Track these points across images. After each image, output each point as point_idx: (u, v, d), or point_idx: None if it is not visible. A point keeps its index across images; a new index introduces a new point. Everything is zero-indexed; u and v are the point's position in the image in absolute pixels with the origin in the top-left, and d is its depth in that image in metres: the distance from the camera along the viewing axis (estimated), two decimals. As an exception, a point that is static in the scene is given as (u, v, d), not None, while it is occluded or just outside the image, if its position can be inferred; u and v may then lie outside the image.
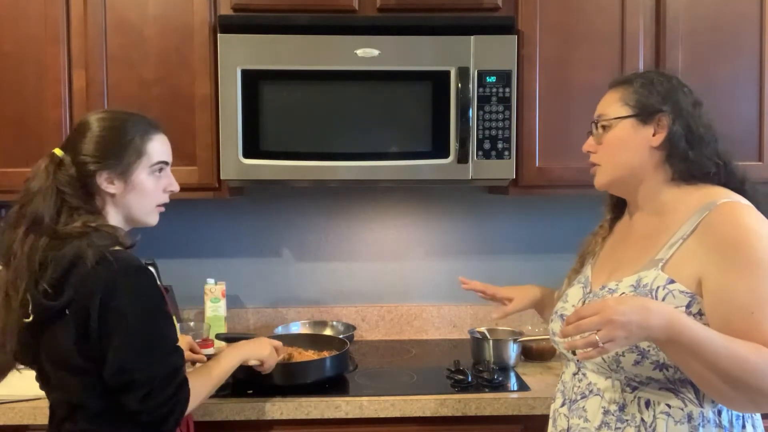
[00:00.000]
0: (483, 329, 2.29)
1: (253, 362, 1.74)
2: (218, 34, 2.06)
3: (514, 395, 1.90)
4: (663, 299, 1.27)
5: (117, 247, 1.44)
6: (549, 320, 1.56)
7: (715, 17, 2.17)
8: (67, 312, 1.38)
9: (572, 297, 1.48)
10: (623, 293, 1.32)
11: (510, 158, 2.10)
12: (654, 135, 1.37)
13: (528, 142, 2.16)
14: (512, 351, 2.13)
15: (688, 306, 1.26)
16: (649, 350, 1.25)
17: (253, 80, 2.05)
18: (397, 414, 1.85)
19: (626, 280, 1.34)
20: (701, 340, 1.16)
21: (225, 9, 2.12)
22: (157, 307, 1.44)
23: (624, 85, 1.43)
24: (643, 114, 1.38)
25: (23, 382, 1.82)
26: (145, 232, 2.50)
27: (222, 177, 2.09)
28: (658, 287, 1.28)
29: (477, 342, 2.17)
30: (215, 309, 2.35)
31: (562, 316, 1.47)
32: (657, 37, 2.17)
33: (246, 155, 2.07)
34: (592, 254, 1.55)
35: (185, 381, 1.45)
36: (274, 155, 2.07)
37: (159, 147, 1.55)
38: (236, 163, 2.07)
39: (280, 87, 2.07)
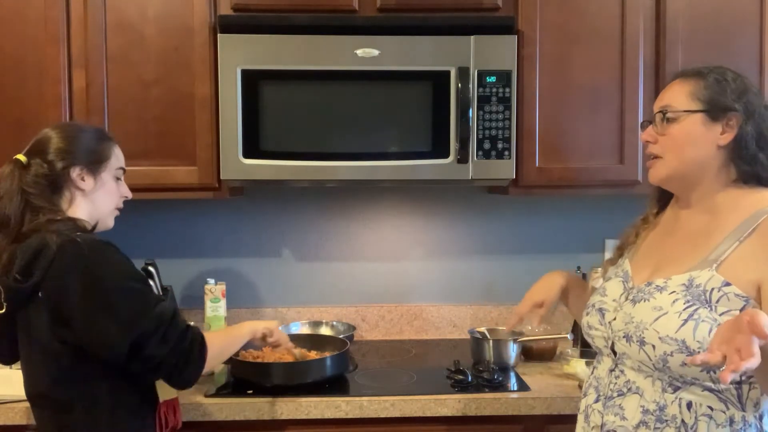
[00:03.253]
0: (483, 329, 2.29)
1: (263, 332, 1.76)
2: (218, 34, 2.06)
3: (514, 395, 1.90)
4: (717, 301, 1.25)
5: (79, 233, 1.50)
6: (583, 313, 1.50)
7: (715, 17, 2.17)
8: (40, 295, 1.43)
9: (612, 291, 1.44)
10: (674, 291, 1.29)
11: (510, 158, 2.10)
12: (722, 134, 1.33)
13: (528, 142, 2.16)
14: (512, 351, 2.13)
15: (741, 310, 1.23)
16: (698, 351, 1.22)
17: (253, 80, 2.05)
18: (397, 414, 1.85)
19: (676, 278, 1.30)
20: None
21: (225, 9, 2.12)
22: (132, 272, 1.50)
23: (695, 78, 1.36)
24: (714, 111, 1.32)
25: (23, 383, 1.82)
26: (146, 232, 2.50)
27: (222, 177, 2.09)
28: (712, 289, 1.26)
29: (477, 342, 2.17)
30: (215, 309, 2.34)
31: (600, 310, 1.43)
32: (657, 37, 2.17)
33: (246, 155, 2.07)
34: (630, 246, 1.50)
35: (190, 326, 1.53)
36: (274, 155, 2.07)
37: (120, 154, 1.66)
38: (236, 163, 2.07)
39: (280, 87, 2.07)
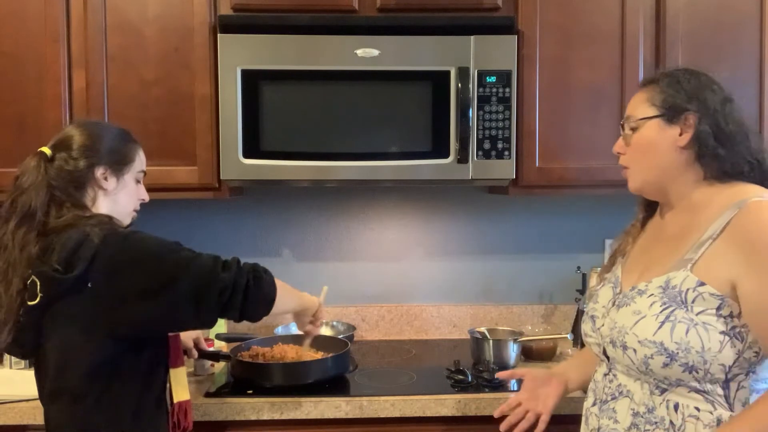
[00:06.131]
0: (483, 329, 2.29)
1: (309, 317, 1.78)
2: (218, 34, 2.06)
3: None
4: (693, 301, 1.25)
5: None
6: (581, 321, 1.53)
7: (715, 17, 2.17)
8: (90, 285, 1.41)
9: (602, 298, 1.46)
10: (652, 294, 1.30)
11: (510, 158, 2.10)
12: (680, 134, 1.34)
13: (528, 142, 2.16)
14: (512, 351, 2.13)
15: (718, 308, 1.24)
16: (677, 353, 1.24)
17: (253, 80, 2.05)
18: (397, 414, 1.85)
19: (655, 280, 1.32)
20: None
21: (225, 9, 2.12)
22: (172, 241, 1.51)
23: (651, 85, 1.40)
24: (669, 113, 1.35)
25: (23, 382, 1.83)
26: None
27: (222, 177, 2.09)
28: (687, 289, 1.26)
29: (477, 342, 2.17)
30: (215, 309, 2.34)
31: (592, 317, 1.45)
32: (657, 37, 2.17)
33: (246, 155, 2.07)
34: (622, 253, 1.52)
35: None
36: (274, 155, 2.07)
37: (143, 157, 1.66)
38: (236, 163, 2.07)
39: (280, 87, 2.07)
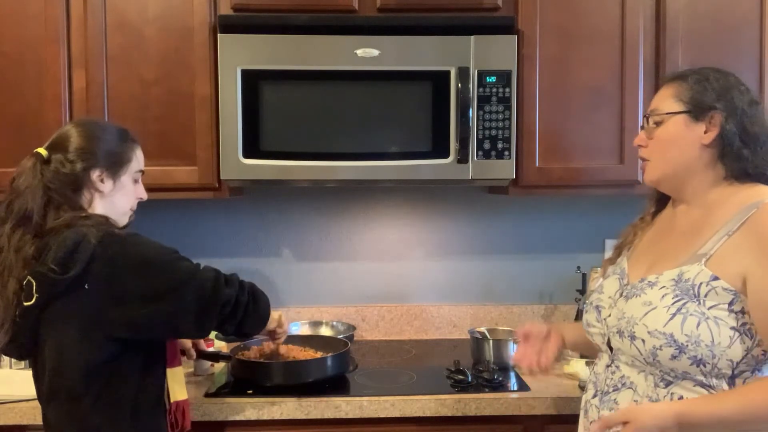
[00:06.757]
0: (483, 329, 2.29)
1: (278, 325, 1.83)
2: (218, 34, 2.06)
3: (514, 395, 1.90)
4: (705, 295, 1.27)
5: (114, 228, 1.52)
6: (584, 312, 1.53)
7: (715, 17, 2.17)
8: (87, 286, 1.42)
9: (608, 288, 1.46)
10: (663, 286, 1.31)
11: (510, 158, 2.10)
12: (705, 132, 1.35)
13: (528, 142, 2.16)
14: (512, 351, 2.13)
15: (730, 303, 1.26)
16: (687, 345, 1.25)
17: (253, 80, 2.05)
18: (397, 414, 1.85)
19: (667, 273, 1.32)
20: (712, 414, 1.21)
21: (225, 9, 2.12)
22: (172, 248, 1.53)
23: (678, 81, 1.40)
24: (696, 111, 1.35)
25: (23, 382, 1.83)
26: (145, 232, 2.50)
27: (222, 177, 2.09)
28: (700, 283, 1.28)
29: (477, 342, 2.17)
30: (215, 309, 2.34)
31: (597, 307, 1.46)
32: (657, 37, 2.17)
33: (246, 155, 2.07)
34: (628, 246, 1.53)
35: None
36: (274, 155, 2.07)
37: (141, 156, 1.65)
38: (236, 163, 2.07)
39: (280, 87, 2.07)
